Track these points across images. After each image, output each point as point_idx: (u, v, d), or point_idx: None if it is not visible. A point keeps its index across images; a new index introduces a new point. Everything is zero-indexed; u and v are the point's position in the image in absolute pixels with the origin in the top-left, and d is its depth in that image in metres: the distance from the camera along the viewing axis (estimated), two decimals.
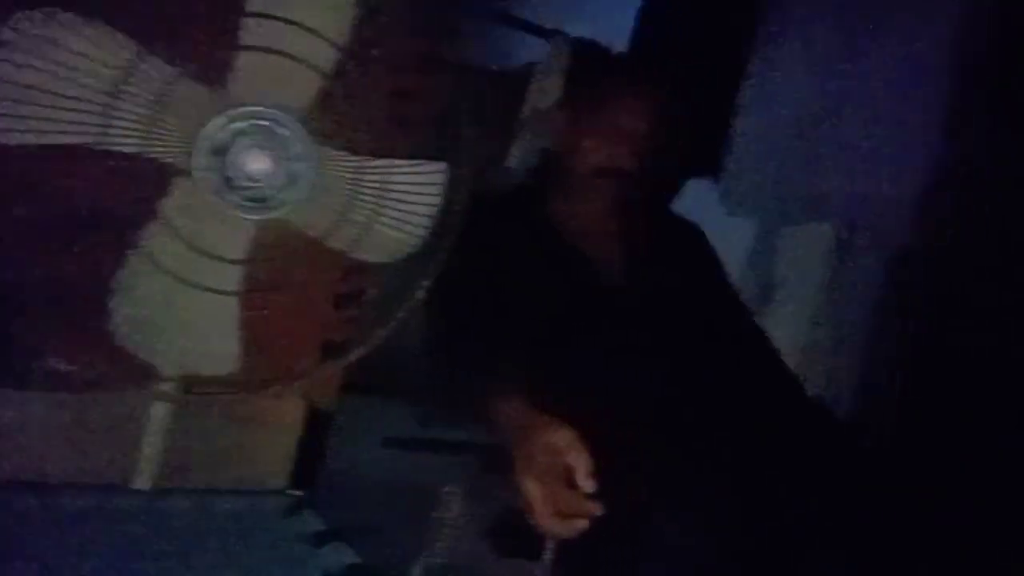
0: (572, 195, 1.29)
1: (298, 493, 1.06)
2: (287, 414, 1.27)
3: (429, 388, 1.37)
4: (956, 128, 1.57)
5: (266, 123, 0.94)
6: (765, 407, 1.18)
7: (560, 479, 0.84)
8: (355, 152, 1.03)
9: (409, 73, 1.12)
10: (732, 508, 0.99)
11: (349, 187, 1.02)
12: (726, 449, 1.08)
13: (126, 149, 0.89)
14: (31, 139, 0.86)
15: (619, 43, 2.04)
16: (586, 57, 2.09)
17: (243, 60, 0.93)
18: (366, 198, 1.03)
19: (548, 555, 0.99)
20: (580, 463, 0.84)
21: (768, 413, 1.18)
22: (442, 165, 1.10)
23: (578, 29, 2.25)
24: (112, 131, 0.88)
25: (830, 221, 1.84)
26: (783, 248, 1.92)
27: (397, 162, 1.05)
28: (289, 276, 1.07)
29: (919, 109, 1.61)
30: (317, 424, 1.31)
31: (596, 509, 0.82)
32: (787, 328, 1.80)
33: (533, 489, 0.84)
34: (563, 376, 1.11)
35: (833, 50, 1.77)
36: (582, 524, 0.83)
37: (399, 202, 1.05)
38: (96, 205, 0.90)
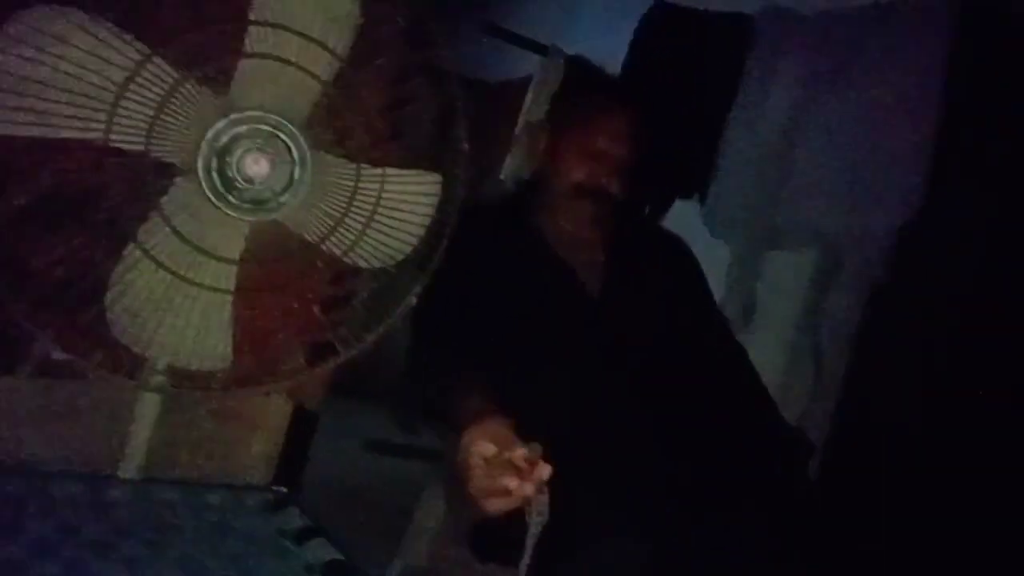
0: (554, 209, 1.32)
1: (283, 490, 1.07)
2: (273, 413, 1.29)
3: (407, 392, 1.39)
4: (941, 165, 1.61)
5: (267, 128, 0.96)
6: (738, 426, 1.21)
7: (499, 459, 0.85)
8: (352, 160, 1.06)
9: (407, 84, 1.15)
10: (687, 533, 1.00)
11: (345, 193, 1.05)
12: (695, 468, 1.10)
13: (129, 147, 0.91)
14: (35, 131, 0.88)
15: (612, 63, 2.08)
16: (575, 75, 2.13)
17: (246, 66, 0.96)
18: (361, 205, 1.06)
19: (525, 561, 1.01)
20: (513, 444, 0.85)
21: (740, 434, 1.21)
22: (437, 176, 1.13)
23: (574, 47, 2.30)
24: (116, 128, 0.90)
25: (813, 249, 1.87)
26: (764, 273, 1.95)
27: (392, 171, 1.08)
28: (282, 277, 1.09)
29: (906, 144, 1.65)
30: (303, 424, 1.33)
31: (526, 489, 0.83)
32: (763, 352, 1.83)
33: (471, 464, 0.86)
34: (538, 383, 1.14)
35: (822, 81, 1.81)
36: (511, 501, 0.84)
37: (393, 210, 1.07)
38: (97, 199, 0.93)
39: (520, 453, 0.85)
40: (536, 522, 1.04)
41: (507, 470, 0.85)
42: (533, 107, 2.31)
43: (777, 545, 1.01)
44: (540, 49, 2.31)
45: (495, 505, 0.85)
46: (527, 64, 2.39)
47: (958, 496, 1.57)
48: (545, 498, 1.05)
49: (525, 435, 0.90)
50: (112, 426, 1.12)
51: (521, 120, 2.34)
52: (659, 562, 0.92)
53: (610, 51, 2.16)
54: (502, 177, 2.30)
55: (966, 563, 1.45)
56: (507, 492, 0.84)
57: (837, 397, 1.82)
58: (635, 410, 1.15)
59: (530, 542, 1.05)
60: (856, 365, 1.82)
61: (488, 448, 0.88)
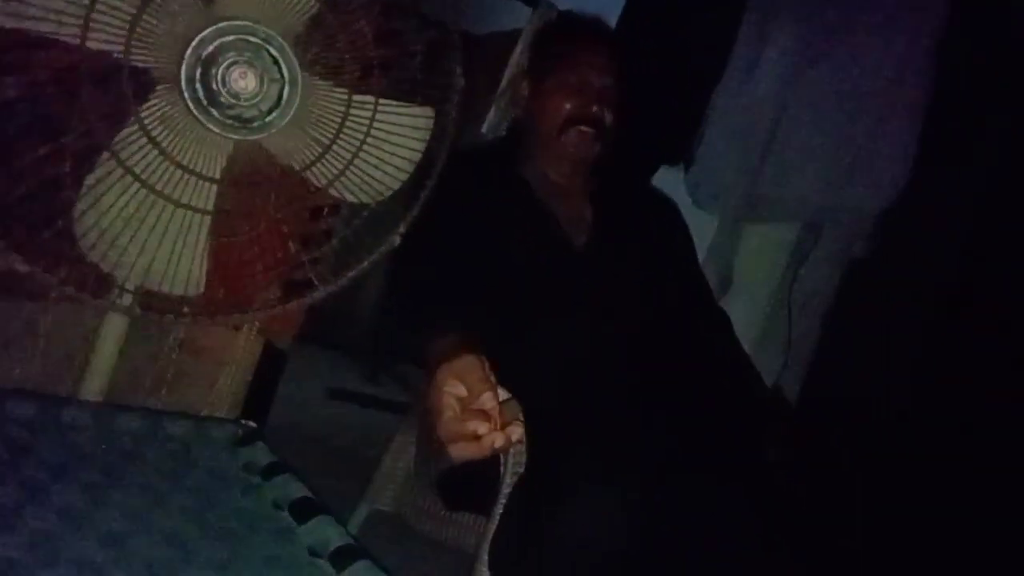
0: (541, 156, 1.29)
1: (251, 424, 1.03)
2: (242, 348, 1.25)
3: (377, 337, 1.34)
4: (929, 146, 1.61)
5: (255, 40, 0.91)
6: (720, 388, 1.20)
7: (470, 403, 0.82)
8: (343, 84, 1.01)
9: (402, 13, 1.10)
10: (659, 493, 0.98)
11: (335, 120, 1.00)
12: (679, 427, 1.09)
13: (108, 47, 0.85)
14: (7, 22, 0.82)
15: (604, 23, 2.04)
16: (561, 23, 2.08)
17: None
18: (351, 133, 1.01)
19: (498, 510, 0.99)
20: (485, 383, 0.82)
21: (723, 395, 1.20)
22: (429, 110, 1.09)
23: (565, 3, 2.24)
24: (94, 27, 0.84)
25: (792, 223, 1.87)
26: (743, 244, 1.94)
27: (385, 101, 1.03)
28: (261, 203, 1.05)
29: (895, 124, 1.64)
30: (271, 362, 1.29)
31: (496, 440, 0.79)
32: (736, 322, 1.83)
33: (438, 409, 0.83)
34: (519, 333, 1.11)
35: (813, 56, 1.79)
36: (479, 450, 0.81)
37: (383, 141, 1.03)
38: (70, 102, 0.87)
39: (489, 397, 0.82)
40: (511, 472, 1.02)
41: (478, 416, 0.81)
42: (520, 61, 2.26)
43: (755, 508, 1.00)
44: (531, 2, 2.25)
45: (462, 451, 0.81)
46: (513, 17, 2.33)
47: (921, 473, 1.60)
48: (522, 448, 1.03)
49: (505, 386, 0.87)
50: (73, 350, 1.07)
51: (507, 74, 2.29)
52: (643, 518, 0.90)
53: (602, 10, 2.11)
54: (484, 131, 2.25)
55: (932, 540, 1.48)
56: (476, 438, 0.80)
57: (807, 369, 1.83)
58: (618, 366, 1.12)
59: (504, 491, 1.03)
60: (827, 339, 1.83)
61: (459, 388, 0.84)
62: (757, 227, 1.94)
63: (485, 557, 0.96)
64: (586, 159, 1.27)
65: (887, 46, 1.67)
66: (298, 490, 0.93)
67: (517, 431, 0.81)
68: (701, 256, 1.83)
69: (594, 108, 1.25)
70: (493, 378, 0.85)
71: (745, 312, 1.88)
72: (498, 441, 0.79)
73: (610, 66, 1.28)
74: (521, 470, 1.00)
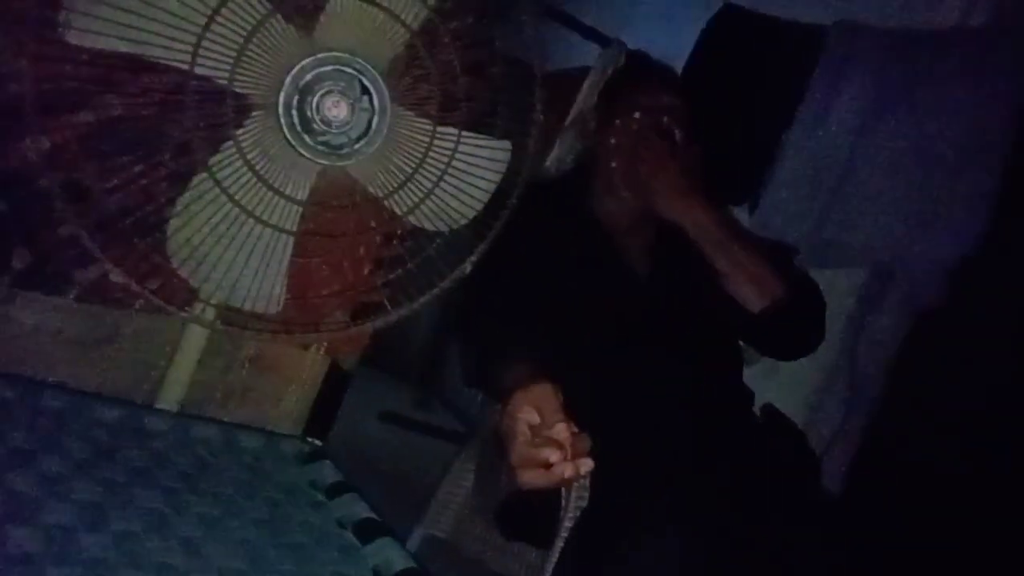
0: (608, 177, 1.31)
1: (317, 442, 1.06)
2: (309, 366, 1.28)
3: (431, 363, 1.36)
4: (1005, 199, 1.58)
5: (350, 71, 0.95)
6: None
7: (543, 431, 0.83)
8: (427, 116, 1.04)
9: (488, 47, 1.13)
10: (727, 519, 0.98)
11: (419, 150, 1.03)
12: (736, 466, 1.08)
13: (213, 74, 0.89)
14: (115, 45, 0.86)
15: (674, 63, 2.06)
16: (632, 65, 2.11)
17: (335, 5, 0.94)
18: (433, 163, 1.04)
19: (559, 544, 0.99)
20: (558, 413, 0.83)
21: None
22: (507, 144, 1.11)
23: (635, 43, 2.27)
24: (202, 54, 0.88)
25: (861, 269, 1.84)
26: None
27: (467, 133, 1.06)
28: (342, 228, 1.08)
29: (969, 175, 1.62)
30: (336, 381, 1.31)
31: (567, 469, 0.80)
32: (799, 368, 1.80)
33: (511, 435, 0.84)
34: (586, 363, 1.12)
35: (889, 99, 1.78)
36: (549, 478, 0.81)
37: (464, 172, 1.05)
38: (173, 123, 0.91)
39: (563, 427, 0.82)
40: (574, 506, 1.02)
41: (551, 444, 0.82)
42: (588, 98, 2.29)
43: (820, 551, 0.99)
44: (601, 40, 2.28)
45: (532, 478, 0.82)
46: (582, 55, 2.36)
47: (982, 532, 1.55)
48: (586, 483, 1.03)
49: (574, 419, 0.88)
50: (153, 359, 1.11)
51: (574, 110, 2.32)
52: (715, 561, 0.90)
53: (673, 50, 2.13)
54: (547, 165, 2.28)
55: None
56: (547, 466, 0.81)
57: (868, 420, 1.79)
58: (683, 401, 1.12)
59: (566, 524, 1.03)
60: (892, 391, 1.79)
61: (533, 416, 0.85)
62: (823, 272, 1.91)
63: None
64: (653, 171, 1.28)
65: (965, 95, 1.64)
66: (363, 510, 0.95)
67: (587, 464, 0.82)
68: None
69: (665, 119, 1.26)
70: (565, 409, 0.86)
71: (808, 358, 1.85)
72: (568, 471, 0.80)
73: (677, 90, 1.29)
74: (584, 504, 0.99)
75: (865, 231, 1.77)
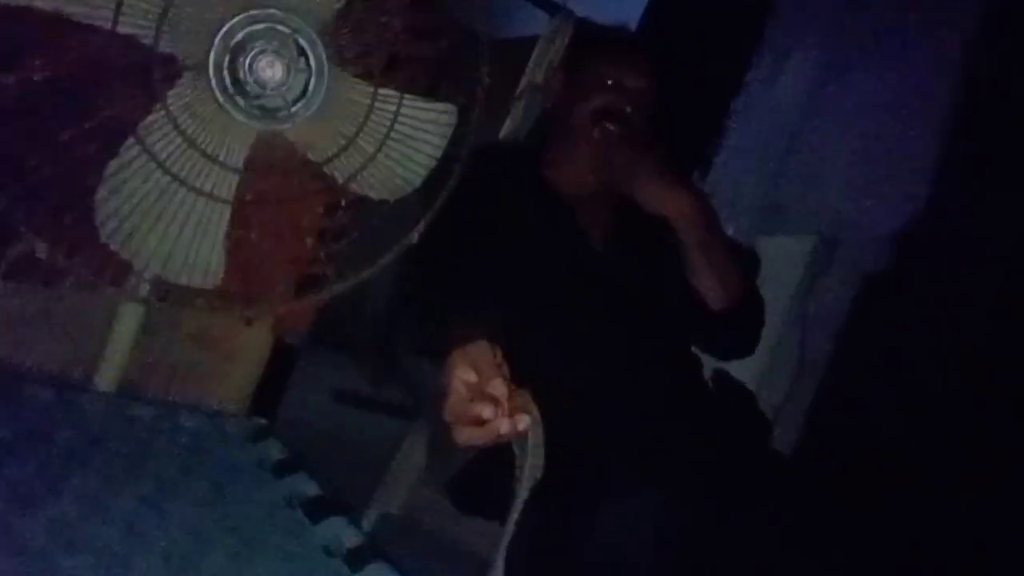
0: (564, 154, 1.28)
1: (263, 420, 1.02)
2: (253, 342, 1.24)
3: (384, 338, 1.33)
4: (950, 163, 1.59)
5: (285, 30, 0.90)
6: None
7: (476, 387, 0.81)
8: (368, 77, 1.00)
9: (431, 10, 1.09)
10: (682, 481, 0.98)
11: (359, 114, 0.99)
12: (684, 428, 1.08)
13: (137, 32, 0.84)
14: (38, 3, 0.81)
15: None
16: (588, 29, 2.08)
17: None
18: (374, 128, 1.00)
19: (514, 517, 0.97)
20: (495, 372, 0.81)
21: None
22: (453, 107, 1.08)
23: (585, 11, 2.24)
24: (125, 12, 0.83)
25: (810, 236, 1.85)
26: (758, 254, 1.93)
27: (409, 96, 1.02)
28: (281, 196, 1.04)
29: (916, 139, 1.63)
30: (282, 357, 1.27)
31: (502, 425, 0.78)
32: None
33: (451, 387, 0.81)
34: (536, 330, 1.10)
35: (836, 68, 1.79)
36: (483, 435, 0.79)
37: (407, 137, 1.02)
38: (95, 86, 0.86)
39: (498, 383, 0.80)
40: (529, 477, 1.01)
41: (486, 400, 0.79)
42: (537, 68, 2.26)
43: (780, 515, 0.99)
44: (551, 8, 2.24)
45: (467, 435, 0.79)
46: (526, 24, 2.33)
47: (932, 497, 1.58)
48: (540, 452, 1.01)
49: (523, 387, 0.86)
50: (86, 338, 1.06)
51: (524, 80, 2.29)
52: (679, 526, 0.89)
53: (623, 16, 2.11)
54: (502, 135, 2.25)
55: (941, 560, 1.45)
56: (481, 422, 0.79)
57: (818, 384, 1.81)
58: (635, 370, 1.11)
59: (521, 496, 1.02)
60: (840, 356, 1.82)
61: (470, 374, 0.82)
62: (772, 238, 1.92)
63: (501, 564, 0.94)
64: (610, 157, 1.26)
65: (913, 62, 1.66)
66: (312, 488, 0.92)
67: (524, 420, 0.79)
68: None
69: (628, 109, 1.24)
70: (505, 367, 0.84)
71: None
72: (504, 427, 0.77)
73: (645, 70, 1.27)
74: (539, 475, 0.98)
75: (815, 196, 1.79)
